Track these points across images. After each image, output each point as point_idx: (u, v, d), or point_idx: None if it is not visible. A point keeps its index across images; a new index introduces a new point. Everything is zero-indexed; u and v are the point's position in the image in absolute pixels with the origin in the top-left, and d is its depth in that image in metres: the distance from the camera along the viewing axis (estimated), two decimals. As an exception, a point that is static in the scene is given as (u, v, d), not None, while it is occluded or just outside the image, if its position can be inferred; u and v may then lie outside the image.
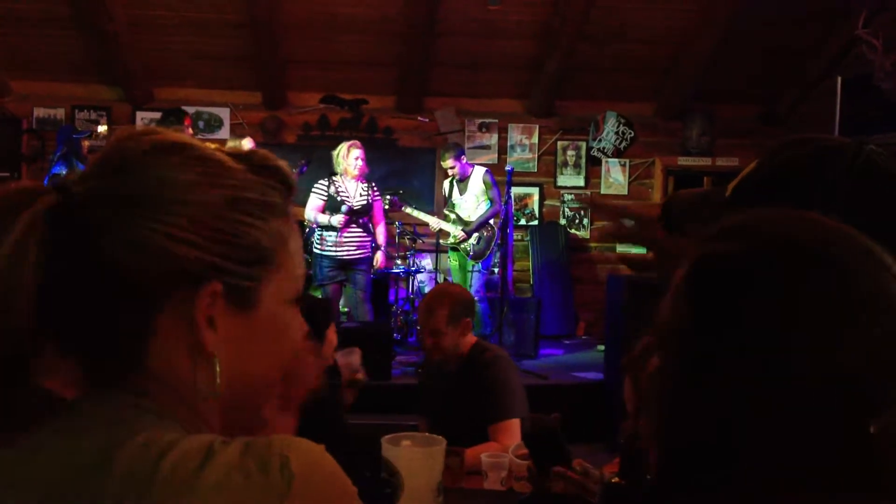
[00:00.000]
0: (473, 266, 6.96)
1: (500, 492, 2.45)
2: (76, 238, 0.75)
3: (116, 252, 0.75)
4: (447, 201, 7.27)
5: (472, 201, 7.01)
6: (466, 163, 7.19)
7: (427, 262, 8.23)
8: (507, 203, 6.89)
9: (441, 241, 7.36)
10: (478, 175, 7.06)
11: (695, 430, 0.76)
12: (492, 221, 7.06)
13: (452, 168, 7.05)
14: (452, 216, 7.13)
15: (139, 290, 0.76)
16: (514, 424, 3.00)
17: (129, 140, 0.80)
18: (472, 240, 6.98)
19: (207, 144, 0.84)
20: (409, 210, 7.23)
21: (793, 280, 0.73)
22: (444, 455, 1.90)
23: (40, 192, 0.77)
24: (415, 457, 1.81)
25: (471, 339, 3.29)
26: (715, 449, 0.74)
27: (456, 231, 7.05)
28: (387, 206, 6.93)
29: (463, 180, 7.11)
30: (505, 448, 2.80)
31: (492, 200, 7.04)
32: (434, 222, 7.20)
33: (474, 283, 6.97)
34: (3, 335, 0.73)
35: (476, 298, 6.77)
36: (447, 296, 3.25)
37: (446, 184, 7.33)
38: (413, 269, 7.72)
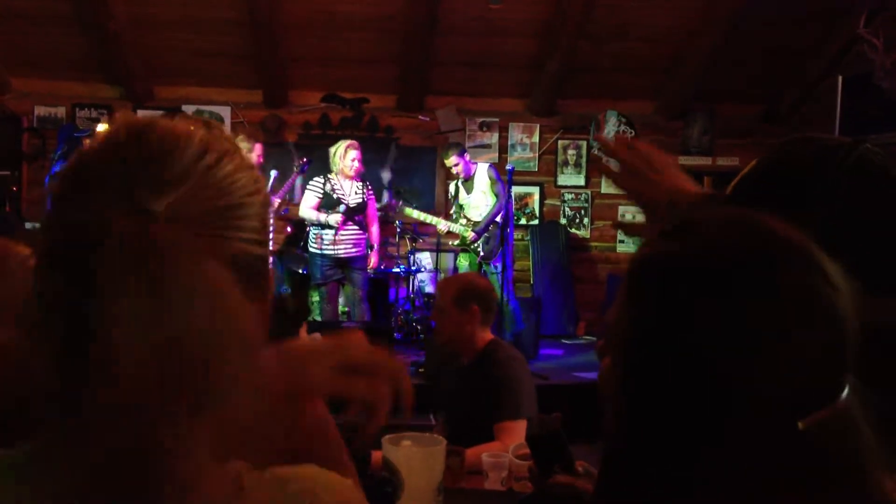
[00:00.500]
0: (491, 268, 6.83)
1: (500, 492, 2.45)
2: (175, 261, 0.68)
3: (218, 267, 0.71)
4: (454, 203, 7.22)
5: (479, 199, 6.93)
6: (469, 161, 7.15)
7: (427, 261, 8.23)
8: (508, 202, 6.90)
9: (451, 243, 7.32)
10: (482, 171, 7.02)
11: (636, 433, 0.77)
12: (497, 218, 7.04)
13: (456, 166, 6.99)
14: (462, 220, 7.05)
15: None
16: (520, 426, 3.01)
17: (182, 143, 0.75)
18: (482, 240, 6.92)
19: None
20: (415, 213, 7.19)
21: (724, 283, 0.73)
22: (444, 455, 1.90)
23: (112, 216, 0.68)
24: (415, 456, 1.81)
25: (487, 335, 3.29)
26: (656, 451, 0.75)
27: (466, 232, 6.99)
28: (380, 210, 6.95)
29: (468, 179, 7.07)
30: (507, 448, 2.81)
31: (497, 195, 7.02)
32: (443, 225, 7.10)
33: (502, 285, 6.87)
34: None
35: (506, 299, 6.79)
36: (461, 278, 3.31)
37: (451, 186, 7.29)
38: (413, 268, 7.72)
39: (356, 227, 6.50)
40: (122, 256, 0.65)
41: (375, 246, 6.77)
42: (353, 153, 6.46)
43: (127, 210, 0.68)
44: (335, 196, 6.41)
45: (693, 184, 1.37)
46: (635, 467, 0.77)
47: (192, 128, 0.77)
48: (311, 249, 6.51)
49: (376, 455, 2.03)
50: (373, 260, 6.79)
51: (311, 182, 6.57)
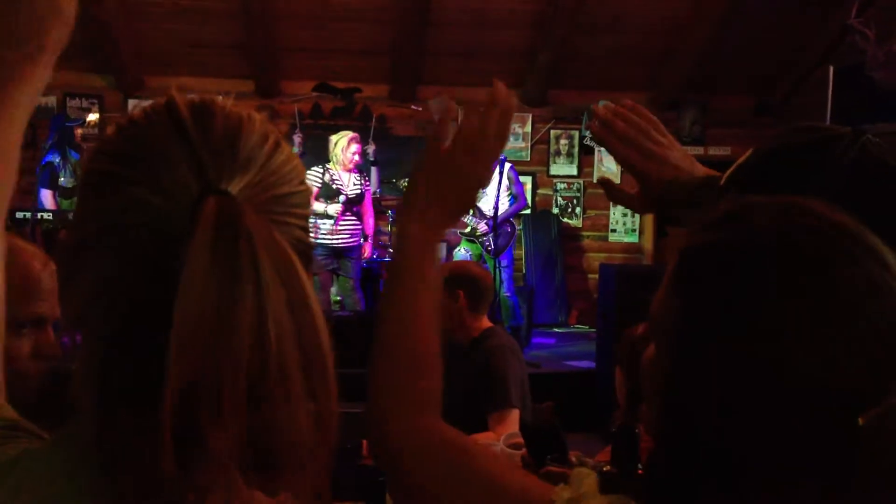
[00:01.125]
0: (498, 263, 6.76)
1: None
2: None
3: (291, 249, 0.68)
4: None
5: (492, 194, 6.78)
6: None
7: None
8: (521, 203, 7.04)
9: (458, 231, 7.29)
10: (504, 170, 6.92)
11: (685, 425, 0.75)
12: (512, 218, 7.02)
13: None
14: (472, 210, 6.99)
15: None
16: (511, 415, 3.02)
17: (246, 125, 0.74)
18: (491, 235, 6.83)
19: None
20: None
21: (782, 274, 0.72)
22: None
23: (190, 198, 0.65)
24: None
25: (483, 323, 3.30)
26: (707, 443, 0.73)
27: (477, 224, 6.94)
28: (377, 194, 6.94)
29: None
30: (498, 437, 2.83)
31: (515, 196, 6.99)
32: None
33: (504, 279, 6.86)
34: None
35: (507, 294, 6.78)
36: (451, 264, 3.30)
37: None
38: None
39: (353, 218, 6.52)
40: (215, 238, 0.62)
41: (370, 236, 6.78)
42: (355, 146, 6.50)
43: (197, 190, 0.65)
44: (334, 186, 6.42)
45: (692, 160, 1.35)
46: (684, 464, 0.75)
47: (249, 111, 0.77)
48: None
49: (365, 444, 2.03)
50: (367, 249, 6.81)
51: (308, 172, 6.56)
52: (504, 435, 2.53)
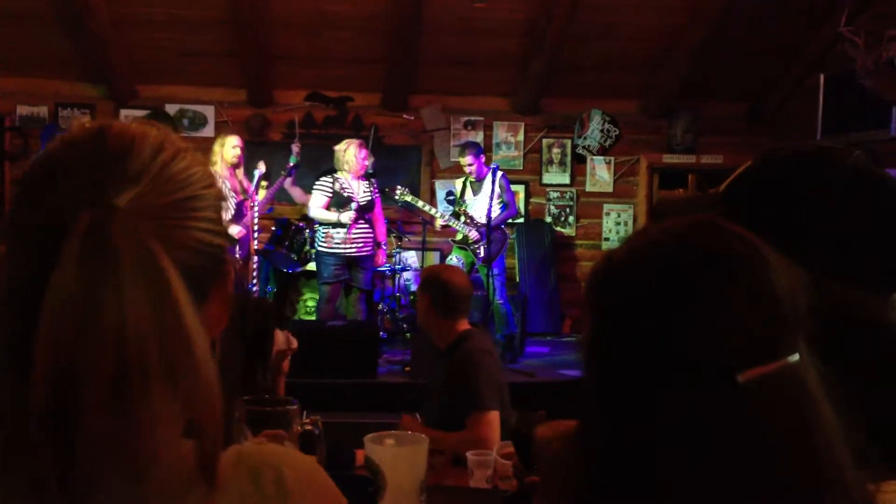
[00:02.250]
0: (490, 271, 6.73)
1: (485, 490, 2.46)
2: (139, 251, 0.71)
3: (179, 255, 0.74)
4: (457, 200, 7.19)
5: (484, 203, 6.79)
6: (484, 163, 7.07)
7: (413, 259, 8.23)
8: (512, 210, 7.02)
9: (451, 239, 7.30)
10: (496, 179, 6.89)
11: (599, 436, 0.81)
12: (504, 226, 7.03)
13: (470, 165, 6.95)
14: (463, 217, 7.00)
15: (197, 288, 0.77)
16: (486, 417, 3.00)
17: (139, 141, 0.78)
18: (483, 242, 6.81)
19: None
20: (419, 203, 7.19)
21: (666, 271, 0.79)
22: (427, 454, 1.90)
23: (73, 211, 0.71)
24: (398, 455, 1.81)
25: (460, 326, 3.28)
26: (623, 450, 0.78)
27: (469, 232, 6.93)
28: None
29: (479, 181, 7.02)
30: (476, 438, 2.85)
31: (507, 204, 6.99)
32: (441, 220, 7.04)
33: (497, 287, 6.84)
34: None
35: (500, 302, 6.77)
36: (429, 268, 3.28)
37: (459, 183, 7.23)
38: (399, 266, 7.71)
39: (366, 226, 6.50)
40: (81, 248, 0.68)
41: (383, 244, 6.75)
42: (364, 152, 6.49)
43: (93, 204, 0.71)
44: (345, 195, 6.40)
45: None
46: (598, 441, 0.81)
47: (146, 127, 0.81)
48: (319, 248, 6.47)
49: (359, 454, 2.03)
50: (380, 257, 6.77)
51: (318, 182, 6.54)
52: (498, 444, 2.53)
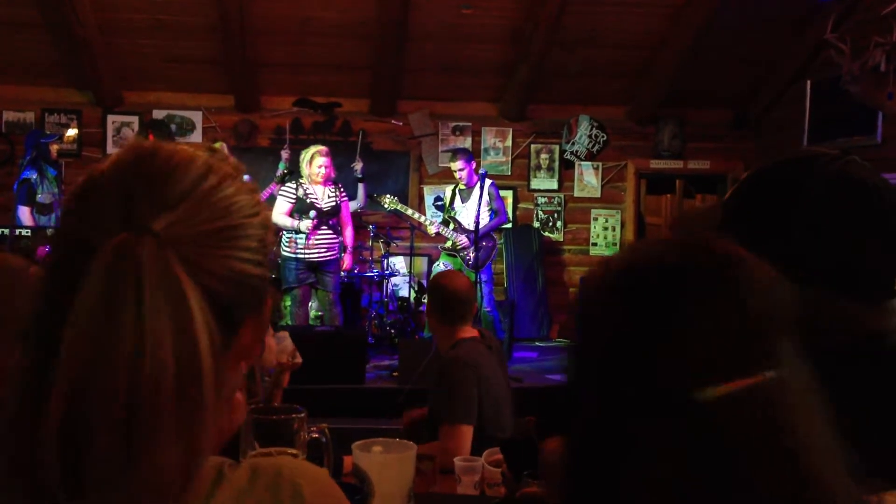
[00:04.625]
0: (479, 277, 6.70)
1: (473, 497, 2.45)
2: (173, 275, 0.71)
3: (211, 284, 0.73)
4: (446, 208, 7.19)
5: (472, 210, 6.78)
6: (474, 170, 7.07)
7: (401, 265, 8.22)
8: (502, 217, 7.05)
9: (440, 246, 7.30)
10: (485, 186, 6.91)
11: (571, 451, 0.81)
12: (493, 233, 7.03)
13: (461, 170, 6.97)
14: (452, 224, 7.01)
15: (229, 317, 0.77)
16: (455, 431, 2.96)
17: (184, 166, 0.78)
18: (472, 249, 6.81)
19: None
20: (409, 211, 7.21)
21: (637, 284, 0.80)
22: (415, 460, 1.90)
23: (106, 233, 0.71)
24: (386, 463, 1.81)
25: (459, 334, 3.27)
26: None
27: (458, 238, 6.93)
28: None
29: (468, 188, 7.02)
30: (444, 449, 2.86)
31: (496, 211, 7.00)
32: (434, 227, 7.07)
33: (485, 294, 6.84)
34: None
35: (487, 309, 6.78)
36: (436, 274, 3.26)
37: (448, 190, 7.25)
38: (387, 272, 7.71)
39: (329, 231, 6.50)
40: (107, 271, 0.68)
41: (349, 248, 6.76)
42: (320, 160, 6.46)
43: (125, 227, 0.71)
44: (308, 201, 6.41)
45: None
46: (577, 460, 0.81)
47: (197, 152, 0.80)
48: (284, 253, 6.50)
49: (347, 461, 2.02)
50: (346, 261, 6.79)
51: (283, 188, 6.56)
52: (486, 451, 2.52)
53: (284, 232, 6.51)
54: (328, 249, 6.51)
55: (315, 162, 6.44)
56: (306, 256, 6.43)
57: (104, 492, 0.66)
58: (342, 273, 6.84)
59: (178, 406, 0.67)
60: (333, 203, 6.53)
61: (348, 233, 6.74)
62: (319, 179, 6.46)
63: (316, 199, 6.45)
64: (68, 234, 0.75)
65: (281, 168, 7.24)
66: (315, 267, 6.51)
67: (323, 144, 6.76)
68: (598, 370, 0.79)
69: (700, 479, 0.71)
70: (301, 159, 6.53)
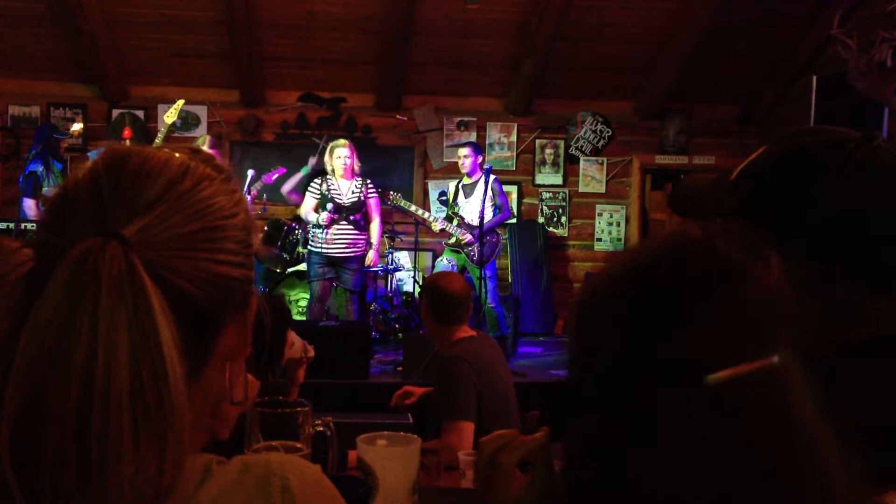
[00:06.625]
0: (482, 273, 6.72)
1: (477, 490, 2.45)
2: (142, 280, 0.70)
3: (186, 287, 0.73)
4: (449, 203, 7.19)
5: (476, 206, 6.75)
6: (478, 163, 7.03)
7: (406, 260, 8.22)
8: (505, 214, 7.04)
9: (444, 242, 7.30)
10: (489, 182, 6.81)
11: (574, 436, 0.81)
12: (497, 228, 7.03)
13: (466, 158, 6.97)
14: (456, 220, 7.01)
15: (208, 319, 0.76)
16: (454, 427, 2.99)
17: (158, 169, 0.77)
18: (476, 245, 6.78)
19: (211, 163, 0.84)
20: (412, 207, 7.22)
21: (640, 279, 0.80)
22: (419, 454, 1.90)
23: (75, 240, 0.70)
24: (390, 456, 1.81)
25: (458, 333, 3.30)
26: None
27: (462, 235, 6.93)
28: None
29: (471, 182, 7.02)
30: (445, 445, 2.87)
31: (499, 207, 6.99)
32: (439, 223, 7.08)
33: (488, 290, 6.82)
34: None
35: (491, 305, 6.77)
36: (432, 275, 3.27)
37: (452, 186, 7.25)
38: (391, 267, 7.71)
39: (350, 227, 6.47)
40: (69, 277, 0.67)
41: (375, 243, 6.69)
42: (340, 151, 6.46)
43: (97, 233, 0.70)
44: (329, 195, 6.42)
45: None
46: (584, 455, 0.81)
47: (175, 154, 0.79)
48: (309, 247, 6.59)
49: (351, 455, 2.03)
50: (371, 257, 6.68)
51: (311, 184, 6.61)
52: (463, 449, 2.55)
53: (310, 227, 6.56)
54: (348, 245, 6.47)
55: (335, 153, 6.45)
56: (327, 251, 6.44)
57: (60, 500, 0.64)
58: (368, 265, 6.76)
59: (135, 415, 0.66)
60: (356, 198, 6.50)
61: (374, 228, 6.64)
62: (342, 172, 6.46)
63: (338, 193, 6.44)
64: (43, 243, 0.74)
65: (303, 172, 7.37)
66: (335, 262, 6.49)
67: (327, 140, 6.80)
68: (601, 359, 0.79)
69: (710, 458, 0.71)
70: (327, 153, 6.57)
